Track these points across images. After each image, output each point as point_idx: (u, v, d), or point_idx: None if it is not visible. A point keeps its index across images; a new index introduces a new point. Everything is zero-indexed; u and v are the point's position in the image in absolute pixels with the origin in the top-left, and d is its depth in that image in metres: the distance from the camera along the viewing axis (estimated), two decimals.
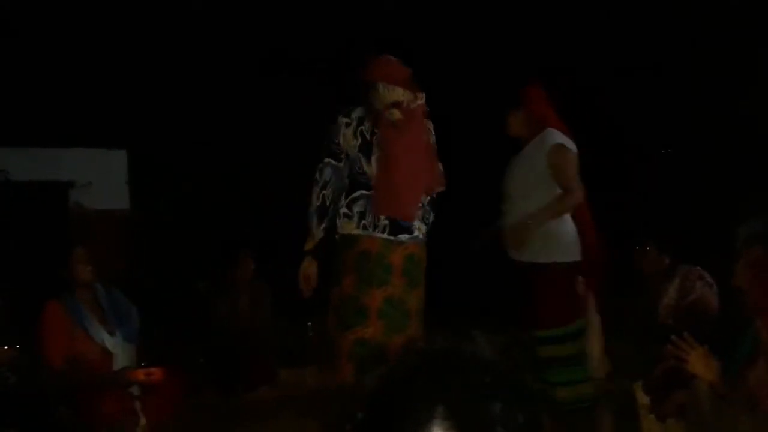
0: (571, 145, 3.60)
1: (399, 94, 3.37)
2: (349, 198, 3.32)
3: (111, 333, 3.71)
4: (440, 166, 3.52)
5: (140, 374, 3.57)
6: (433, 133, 3.54)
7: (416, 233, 3.35)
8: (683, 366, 2.75)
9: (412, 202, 3.36)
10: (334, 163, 3.37)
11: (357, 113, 3.40)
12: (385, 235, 3.27)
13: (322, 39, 6.99)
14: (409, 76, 3.43)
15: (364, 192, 3.31)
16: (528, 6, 6.57)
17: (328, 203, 3.34)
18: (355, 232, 3.28)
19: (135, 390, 3.59)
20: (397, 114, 3.36)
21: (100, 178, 7.72)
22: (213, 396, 4.56)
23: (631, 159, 7.13)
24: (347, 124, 3.37)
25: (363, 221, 3.28)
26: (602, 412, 3.65)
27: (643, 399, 3.71)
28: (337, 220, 3.33)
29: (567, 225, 3.55)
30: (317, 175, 3.38)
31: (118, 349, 3.68)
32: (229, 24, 7.01)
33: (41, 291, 3.75)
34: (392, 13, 6.54)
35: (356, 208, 3.30)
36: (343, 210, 3.32)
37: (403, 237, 3.30)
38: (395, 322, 3.22)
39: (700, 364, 2.70)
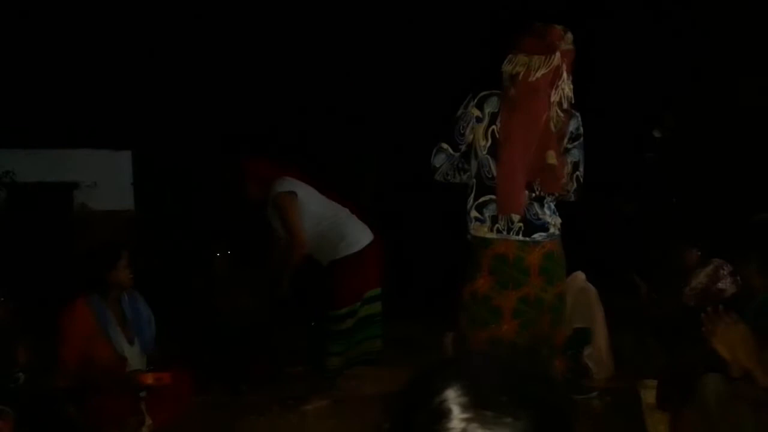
0: (291, 186, 4.25)
1: (520, 63, 3.06)
2: (478, 202, 3.13)
3: (130, 341, 3.70)
4: (551, 154, 3.09)
5: (149, 378, 3.58)
6: (561, 113, 3.10)
7: (552, 230, 3.14)
8: (711, 346, 2.35)
9: (514, 193, 3.08)
10: (450, 152, 3.16)
11: (491, 106, 3.10)
12: (520, 237, 3.10)
13: (324, 42, 7.00)
14: (545, 39, 3.06)
15: (492, 197, 3.11)
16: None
17: (445, 178, 3.24)
18: (489, 235, 3.11)
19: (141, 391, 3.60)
20: (512, 90, 3.07)
21: (105, 178, 7.76)
22: (219, 395, 4.57)
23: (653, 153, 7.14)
24: (479, 119, 3.11)
25: (496, 225, 3.10)
26: (606, 411, 3.66)
27: (647, 397, 3.71)
28: (469, 223, 3.16)
29: (328, 232, 4.30)
30: (432, 155, 3.20)
31: (134, 357, 3.67)
32: (233, 28, 7.02)
33: (48, 291, 3.75)
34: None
35: (487, 212, 3.12)
36: (474, 214, 3.14)
37: (539, 236, 3.12)
38: (529, 320, 3.13)
39: (730, 340, 2.23)
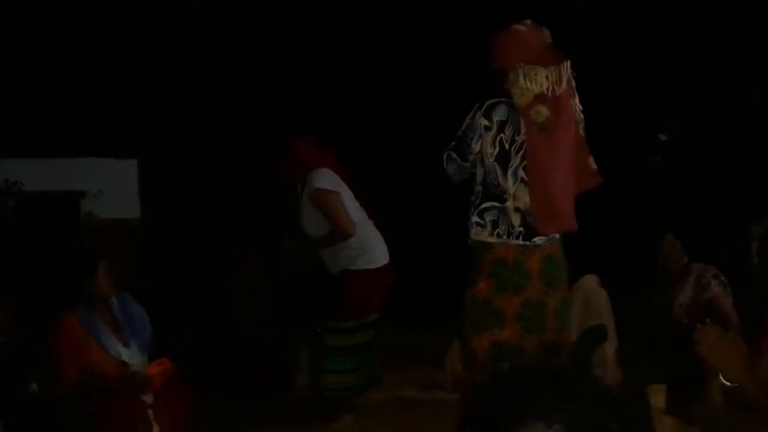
0: (334, 185, 4.09)
1: (542, 78, 3.00)
2: (480, 208, 3.14)
3: (126, 344, 3.64)
4: (592, 160, 3.18)
5: (152, 368, 3.54)
6: (582, 114, 3.15)
7: (552, 234, 3.16)
8: (702, 364, 2.47)
9: (571, 212, 3.14)
10: (460, 162, 3.18)
11: (499, 115, 3.08)
12: (520, 241, 3.11)
13: (329, 50, 7.02)
14: (548, 43, 3.03)
15: (496, 204, 3.11)
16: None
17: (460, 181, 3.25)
18: (489, 239, 3.12)
19: (148, 398, 3.58)
20: (543, 112, 3.02)
21: (111, 187, 7.79)
22: (227, 401, 4.56)
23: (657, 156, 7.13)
24: (487, 128, 3.08)
25: (497, 229, 3.12)
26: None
27: (657, 402, 3.69)
28: (469, 228, 3.17)
29: (352, 240, 4.10)
30: (444, 162, 3.21)
31: (134, 359, 3.62)
32: (239, 36, 7.05)
33: (54, 300, 3.73)
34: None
35: (488, 217, 3.13)
36: (475, 219, 3.15)
37: (539, 240, 3.13)
38: (532, 324, 3.13)
39: (722, 354, 2.25)
